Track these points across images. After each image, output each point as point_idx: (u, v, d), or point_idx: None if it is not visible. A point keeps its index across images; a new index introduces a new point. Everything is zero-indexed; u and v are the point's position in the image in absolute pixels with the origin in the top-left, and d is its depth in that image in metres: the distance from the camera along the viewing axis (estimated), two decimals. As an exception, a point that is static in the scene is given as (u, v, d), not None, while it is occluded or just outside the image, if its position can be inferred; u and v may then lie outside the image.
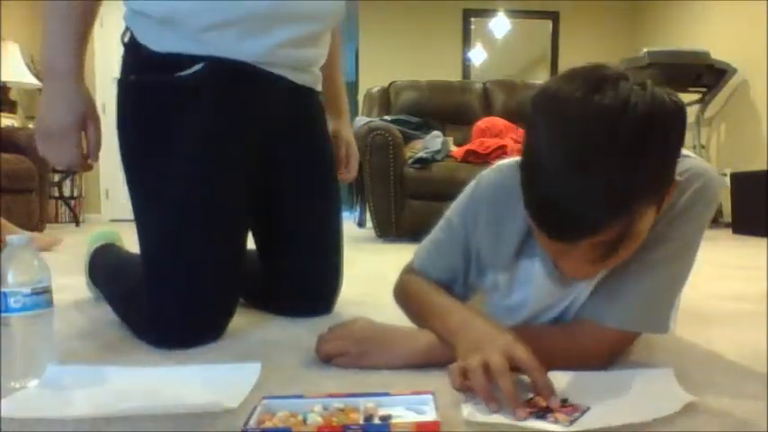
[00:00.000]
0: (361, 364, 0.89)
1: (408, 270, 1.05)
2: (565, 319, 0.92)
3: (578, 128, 0.67)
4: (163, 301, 1.05)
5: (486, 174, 0.94)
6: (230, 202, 1.11)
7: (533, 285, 0.90)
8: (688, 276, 0.88)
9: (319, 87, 1.31)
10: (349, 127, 1.47)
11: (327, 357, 0.92)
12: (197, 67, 1.06)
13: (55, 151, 1.07)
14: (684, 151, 0.82)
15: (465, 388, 0.73)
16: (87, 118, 1.07)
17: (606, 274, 0.85)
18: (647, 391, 0.76)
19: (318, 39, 1.22)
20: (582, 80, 0.69)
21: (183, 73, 1.06)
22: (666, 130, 0.70)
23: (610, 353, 0.88)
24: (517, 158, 0.81)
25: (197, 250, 1.06)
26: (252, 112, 1.14)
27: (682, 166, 0.82)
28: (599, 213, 0.67)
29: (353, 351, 0.90)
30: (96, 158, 1.13)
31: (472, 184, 0.96)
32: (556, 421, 0.67)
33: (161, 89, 1.07)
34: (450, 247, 0.97)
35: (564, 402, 0.71)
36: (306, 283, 1.29)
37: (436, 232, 1.01)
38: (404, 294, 1.02)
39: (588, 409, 0.69)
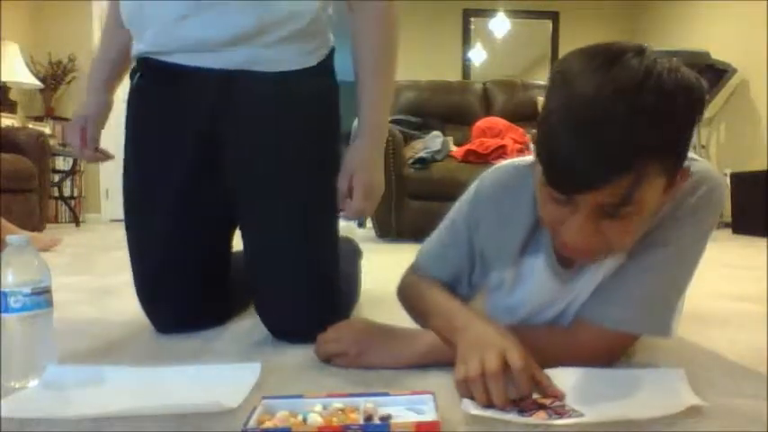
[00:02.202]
0: (360, 363, 0.90)
1: (412, 270, 1.05)
2: (564, 320, 0.92)
3: (596, 88, 0.68)
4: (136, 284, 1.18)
5: (489, 173, 0.94)
6: (166, 200, 1.12)
7: (536, 281, 0.90)
8: (690, 280, 0.88)
9: (287, 66, 1.09)
10: (364, 151, 1.12)
11: (327, 357, 0.92)
12: (135, 75, 1.17)
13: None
14: (692, 154, 0.82)
15: (470, 396, 0.73)
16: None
17: (607, 277, 0.85)
18: (653, 390, 0.76)
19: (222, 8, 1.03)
20: (604, 50, 0.71)
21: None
22: (686, 102, 0.70)
23: (609, 353, 0.87)
24: (518, 158, 0.81)
25: (136, 239, 1.17)
26: (172, 109, 1.11)
27: (691, 167, 0.81)
28: (603, 166, 0.67)
29: (352, 351, 0.90)
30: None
31: (475, 184, 0.95)
32: (553, 416, 0.67)
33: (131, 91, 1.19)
34: (454, 249, 0.96)
35: (562, 405, 0.72)
36: (270, 305, 1.12)
37: (440, 233, 1.00)
38: (407, 294, 1.02)
39: (583, 415, 0.69)
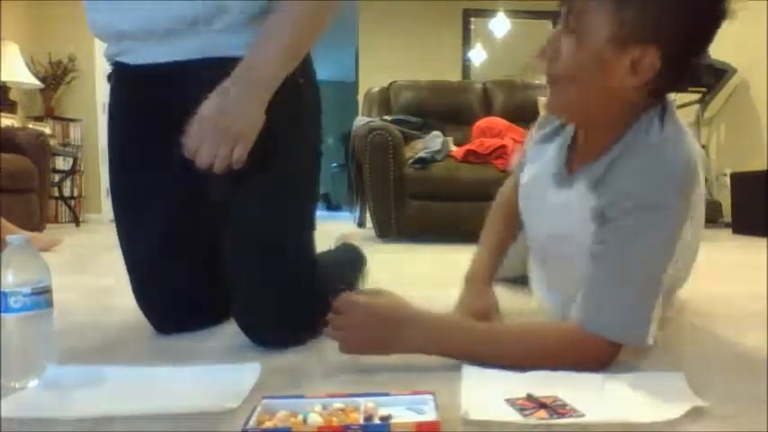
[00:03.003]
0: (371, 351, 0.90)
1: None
2: (556, 232, 0.98)
3: None
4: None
5: None
6: (154, 200, 1.13)
7: (542, 163, 1.03)
8: (659, 282, 0.85)
9: (222, 52, 1.03)
10: (224, 93, 0.97)
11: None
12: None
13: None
14: (685, 128, 0.84)
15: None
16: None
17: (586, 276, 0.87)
18: (653, 394, 0.76)
19: None
20: None
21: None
22: None
23: (590, 356, 0.85)
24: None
25: (126, 241, 1.17)
26: (139, 107, 1.12)
27: (671, 134, 0.85)
28: None
29: (367, 339, 0.89)
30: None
31: None
32: (553, 415, 0.67)
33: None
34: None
35: (563, 404, 0.72)
36: (241, 308, 1.08)
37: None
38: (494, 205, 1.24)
39: (584, 415, 0.69)
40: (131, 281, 1.17)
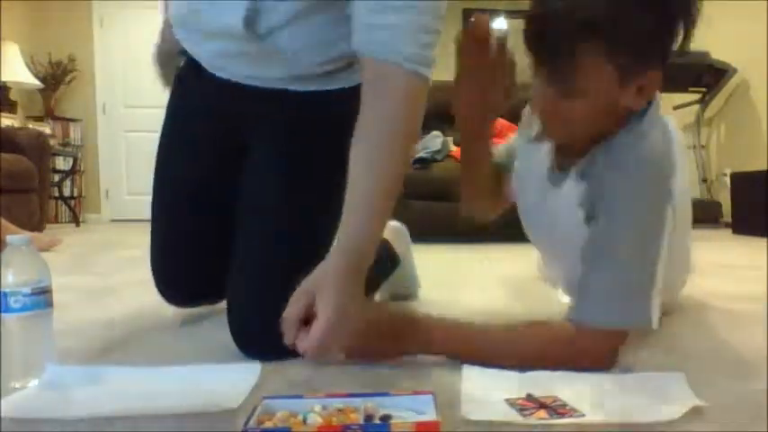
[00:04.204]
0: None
1: None
2: (556, 235, 0.98)
3: None
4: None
5: None
6: (183, 176, 1.18)
7: (534, 161, 1.04)
8: (653, 265, 0.85)
9: (317, 87, 1.06)
10: (337, 275, 0.82)
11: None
12: (182, 60, 1.19)
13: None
14: (665, 117, 0.86)
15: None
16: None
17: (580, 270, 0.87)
18: (654, 395, 0.76)
19: (254, 57, 1.02)
20: None
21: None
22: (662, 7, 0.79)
23: (590, 352, 0.85)
24: None
25: (154, 218, 1.21)
26: (208, 103, 1.15)
27: (648, 123, 0.87)
28: (556, 46, 0.80)
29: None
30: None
31: None
32: (553, 415, 0.67)
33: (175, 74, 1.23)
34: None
35: (563, 404, 0.72)
36: (235, 310, 1.02)
37: None
38: None
39: (584, 415, 0.69)
40: (157, 251, 1.20)
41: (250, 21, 0.95)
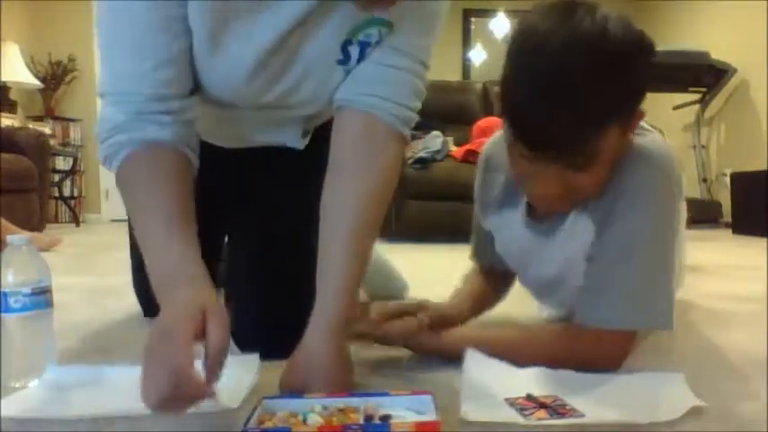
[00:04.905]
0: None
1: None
2: (566, 290, 0.94)
3: (550, 53, 0.73)
4: None
5: (484, 145, 1.08)
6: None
7: (512, 231, 0.99)
8: (670, 264, 0.86)
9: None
10: (324, 353, 0.77)
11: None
12: None
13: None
14: (646, 125, 0.85)
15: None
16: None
17: (590, 271, 0.86)
18: (653, 395, 0.76)
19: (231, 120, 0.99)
20: (558, 11, 0.76)
21: None
22: (637, 57, 0.76)
23: (610, 356, 0.85)
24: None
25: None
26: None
27: (638, 138, 0.85)
28: (568, 134, 0.73)
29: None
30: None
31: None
32: (553, 415, 0.67)
33: None
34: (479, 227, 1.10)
35: (563, 404, 0.72)
36: (235, 311, 0.92)
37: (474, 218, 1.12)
38: None
39: (584, 415, 0.69)
40: (133, 260, 1.18)
41: (305, 135, 1.03)
